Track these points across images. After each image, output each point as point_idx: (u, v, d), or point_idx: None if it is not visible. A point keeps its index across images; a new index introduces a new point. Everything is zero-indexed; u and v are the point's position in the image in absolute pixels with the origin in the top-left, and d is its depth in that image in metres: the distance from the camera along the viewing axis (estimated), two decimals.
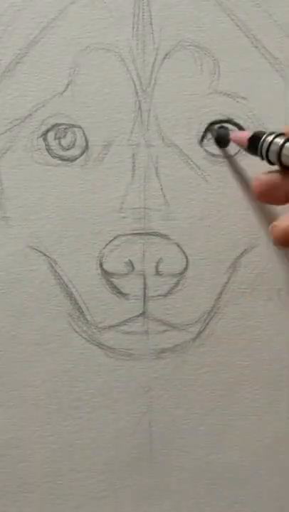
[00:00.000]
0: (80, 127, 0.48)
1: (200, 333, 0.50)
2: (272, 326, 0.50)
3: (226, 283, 0.49)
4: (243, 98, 0.48)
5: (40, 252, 0.48)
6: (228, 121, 0.48)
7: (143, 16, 0.47)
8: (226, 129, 0.48)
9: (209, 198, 0.49)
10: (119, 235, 0.48)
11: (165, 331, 0.49)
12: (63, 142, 0.48)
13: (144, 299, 0.49)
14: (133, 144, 0.48)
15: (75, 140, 0.48)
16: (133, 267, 0.48)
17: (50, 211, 0.48)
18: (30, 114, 0.48)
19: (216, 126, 0.48)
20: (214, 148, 0.49)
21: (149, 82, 0.48)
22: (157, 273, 0.49)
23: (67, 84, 0.48)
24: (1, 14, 0.47)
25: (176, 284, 0.49)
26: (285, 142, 0.43)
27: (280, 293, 0.50)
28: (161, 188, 0.48)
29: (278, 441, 0.51)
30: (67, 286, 0.49)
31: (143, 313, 0.49)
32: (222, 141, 0.48)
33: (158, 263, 0.48)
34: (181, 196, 0.49)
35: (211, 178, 0.49)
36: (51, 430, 0.50)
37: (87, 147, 0.48)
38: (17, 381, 0.49)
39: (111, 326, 0.49)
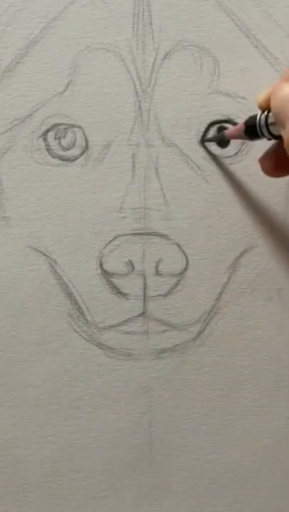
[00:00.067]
0: (80, 127, 0.48)
1: (200, 333, 0.50)
2: (272, 326, 0.50)
3: (226, 283, 0.49)
4: (243, 98, 0.48)
5: (40, 252, 0.48)
6: (228, 121, 0.48)
7: (143, 16, 0.47)
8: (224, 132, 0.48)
9: (209, 198, 0.49)
10: (119, 235, 0.48)
11: (165, 331, 0.49)
12: (63, 142, 0.48)
13: (144, 299, 0.49)
14: (133, 144, 0.48)
15: (75, 140, 0.48)
16: (133, 267, 0.48)
17: (50, 211, 0.48)
18: (30, 114, 0.48)
19: (217, 126, 0.48)
20: (214, 149, 0.49)
21: (149, 82, 0.48)
22: (157, 273, 0.49)
23: (67, 84, 0.48)
24: (1, 14, 0.47)
25: (176, 284, 0.49)
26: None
27: (280, 293, 0.50)
28: (161, 188, 0.48)
29: (278, 441, 0.51)
30: (67, 286, 0.49)
31: (143, 313, 0.49)
32: (222, 141, 0.48)
33: (158, 263, 0.48)
34: (181, 196, 0.49)
35: (211, 178, 0.49)
36: (51, 430, 0.50)
37: (87, 147, 0.48)
38: (17, 381, 0.49)
39: (111, 326, 0.49)
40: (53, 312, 0.49)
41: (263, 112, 0.42)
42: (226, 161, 0.49)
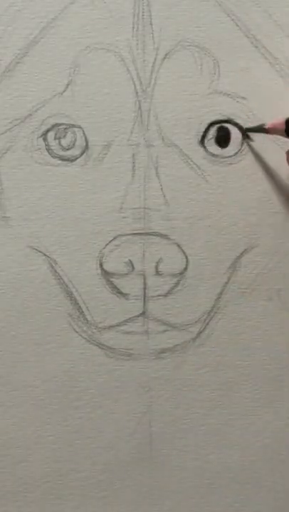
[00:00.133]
0: (80, 127, 0.48)
1: (200, 333, 0.50)
2: (272, 326, 0.50)
3: (226, 283, 0.49)
4: (243, 98, 0.48)
5: (40, 252, 0.48)
6: (228, 121, 0.48)
7: (143, 16, 0.47)
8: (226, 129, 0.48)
9: (209, 198, 0.49)
10: (119, 235, 0.48)
11: (165, 331, 0.49)
12: (63, 142, 0.48)
13: (144, 299, 0.49)
14: (133, 144, 0.48)
15: (75, 140, 0.48)
16: (133, 267, 0.48)
17: (50, 211, 0.48)
18: (30, 114, 0.48)
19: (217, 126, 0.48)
20: (214, 148, 0.49)
21: (149, 82, 0.48)
22: (157, 273, 0.49)
23: (67, 84, 0.48)
24: (1, 14, 0.47)
25: (176, 284, 0.49)
26: None
27: (280, 293, 0.50)
28: (161, 188, 0.48)
29: (278, 441, 0.51)
30: (67, 286, 0.49)
31: (143, 313, 0.49)
32: (222, 140, 0.48)
33: (158, 263, 0.48)
34: (181, 196, 0.49)
35: (211, 178, 0.49)
36: (51, 430, 0.50)
37: (87, 147, 0.48)
38: (17, 381, 0.49)
39: (111, 326, 0.49)
40: (53, 312, 0.49)
41: None
42: (226, 161, 0.49)
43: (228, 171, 0.49)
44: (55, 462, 0.50)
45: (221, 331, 0.50)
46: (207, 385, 0.50)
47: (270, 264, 0.50)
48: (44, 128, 0.48)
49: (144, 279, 0.49)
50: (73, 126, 0.48)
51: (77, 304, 0.49)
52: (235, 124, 0.48)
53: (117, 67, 0.48)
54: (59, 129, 0.48)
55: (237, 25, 0.48)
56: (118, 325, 0.49)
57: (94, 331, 0.49)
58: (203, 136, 0.49)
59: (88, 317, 0.49)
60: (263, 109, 0.48)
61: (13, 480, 0.50)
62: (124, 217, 0.48)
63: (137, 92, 0.48)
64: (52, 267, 0.49)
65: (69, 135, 0.48)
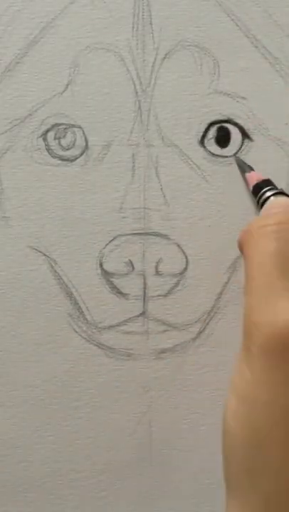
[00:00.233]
0: (80, 127, 0.48)
1: (200, 333, 0.50)
2: None
3: (226, 283, 0.49)
4: (243, 98, 0.48)
5: (40, 252, 0.48)
6: (228, 121, 0.48)
7: (143, 16, 0.47)
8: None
9: (209, 198, 0.49)
10: (119, 235, 0.48)
11: (165, 331, 0.49)
12: (63, 142, 0.48)
13: (144, 299, 0.49)
14: (133, 144, 0.48)
15: (75, 140, 0.48)
16: (133, 267, 0.48)
17: (50, 211, 0.48)
18: (30, 114, 0.48)
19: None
20: (214, 148, 0.49)
21: (149, 82, 0.48)
22: (157, 273, 0.49)
23: (67, 84, 0.48)
24: (1, 14, 0.47)
25: (176, 284, 0.49)
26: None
27: None
28: (161, 188, 0.48)
29: None
30: (67, 286, 0.49)
31: (143, 313, 0.49)
32: (222, 140, 0.48)
33: (158, 263, 0.48)
34: (181, 196, 0.49)
35: (211, 178, 0.49)
36: (51, 430, 0.50)
37: (87, 147, 0.48)
38: (17, 381, 0.49)
39: (111, 326, 0.49)
40: (52, 312, 0.49)
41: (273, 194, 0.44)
42: (226, 161, 0.49)
43: (228, 171, 0.49)
44: (55, 462, 0.50)
45: (221, 331, 0.50)
46: (207, 385, 0.50)
47: None
48: (44, 128, 0.48)
49: (144, 279, 0.49)
50: (73, 126, 0.48)
51: (77, 304, 0.49)
52: (235, 124, 0.48)
53: (117, 67, 0.48)
54: (59, 129, 0.48)
55: (237, 25, 0.48)
56: (118, 325, 0.49)
57: (94, 331, 0.49)
58: (203, 136, 0.49)
59: (88, 317, 0.49)
60: (263, 109, 0.48)
61: (13, 480, 0.50)
62: (124, 217, 0.48)
63: (136, 92, 0.48)
64: (52, 267, 0.49)
65: (69, 135, 0.48)
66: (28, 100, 0.48)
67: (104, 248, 0.49)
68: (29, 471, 0.50)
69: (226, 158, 0.49)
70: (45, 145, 0.48)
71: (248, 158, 0.49)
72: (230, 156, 0.49)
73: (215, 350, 0.50)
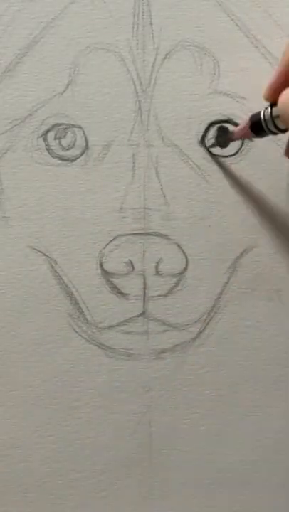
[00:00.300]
0: (80, 127, 0.48)
1: (200, 333, 0.50)
2: (272, 326, 0.50)
3: (226, 283, 0.49)
4: (243, 98, 0.48)
5: (40, 252, 0.48)
6: (228, 121, 0.48)
7: (143, 16, 0.47)
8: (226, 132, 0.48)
9: (209, 198, 0.49)
10: (119, 235, 0.48)
11: (165, 331, 0.49)
12: (63, 142, 0.48)
13: (144, 299, 0.49)
14: (133, 144, 0.48)
15: (75, 140, 0.48)
16: (133, 267, 0.48)
17: (50, 211, 0.48)
18: (30, 114, 0.48)
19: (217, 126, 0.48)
20: (214, 149, 0.49)
21: (149, 82, 0.48)
22: (157, 273, 0.49)
23: (67, 84, 0.48)
24: (1, 14, 0.47)
25: (176, 284, 0.49)
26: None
27: (280, 293, 0.50)
28: (161, 188, 0.48)
29: (278, 441, 0.51)
30: (67, 286, 0.49)
31: (143, 313, 0.49)
32: (222, 141, 0.49)
33: (158, 263, 0.48)
34: (181, 196, 0.49)
35: (211, 178, 0.49)
36: (51, 430, 0.50)
37: (87, 147, 0.48)
38: (17, 381, 0.49)
39: (111, 326, 0.49)
40: (53, 312, 0.49)
41: (267, 107, 0.43)
42: (226, 161, 0.49)
43: (228, 170, 0.49)
44: (55, 462, 0.50)
45: (221, 331, 0.50)
46: (207, 385, 0.50)
47: (270, 264, 0.50)
48: (44, 128, 0.48)
49: (144, 279, 0.49)
50: (73, 126, 0.48)
51: (77, 303, 0.49)
52: (235, 124, 0.48)
53: (117, 67, 0.48)
54: (59, 129, 0.48)
55: (237, 25, 0.48)
56: (118, 325, 0.49)
57: (94, 330, 0.49)
58: (203, 136, 0.49)
59: (88, 317, 0.49)
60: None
61: (13, 480, 0.50)
62: (124, 217, 0.48)
63: (137, 92, 0.48)
64: (52, 267, 0.49)
65: (69, 135, 0.48)
66: (28, 100, 0.48)
67: (104, 248, 0.49)
68: (29, 471, 0.50)
69: (226, 158, 0.49)
70: (46, 145, 0.48)
71: (248, 158, 0.49)
72: (231, 156, 0.49)
73: (215, 350, 0.50)
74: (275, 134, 0.43)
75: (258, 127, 0.44)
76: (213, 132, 0.49)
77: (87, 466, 0.50)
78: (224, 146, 0.49)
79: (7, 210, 0.48)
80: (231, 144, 0.48)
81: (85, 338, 0.49)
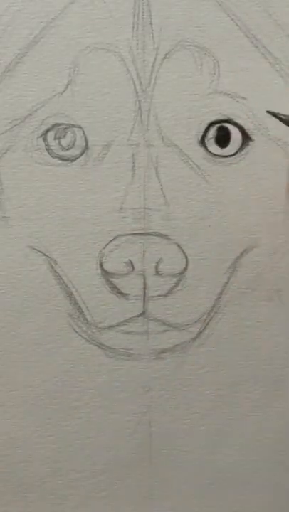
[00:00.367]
0: (80, 127, 0.48)
1: (200, 333, 0.50)
2: (272, 326, 0.50)
3: (226, 283, 0.49)
4: (243, 98, 0.48)
5: (40, 252, 0.48)
6: (228, 121, 0.48)
7: (143, 16, 0.47)
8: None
9: (209, 198, 0.49)
10: (119, 235, 0.48)
11: (165, 331, 0.49)
12: (63, 142, 0.48)
13: (144, 299, 0.49)
14: (133, 144, 0.48)
15: (75, 140, 0.48)
16: (133, 267, 0.48)
17: (50, 211, 0.48)
18: (30, 114, 0.48)
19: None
20: (214, 148, 0.49)
21: (149, 82, 0.48)
22: (157, 273, 0.49)
23: (67, 84, 0.48)
24: (1, 14, 0.47)
25: (176, 284, 0.49)
26: None
27: (280, 293, 0.50)
28: (161, 188, 0.48)
29: (278, 441, 0.51)
30: (67, 286, 0.49)
31: (143, 313, 0.49)
32: (222, 140, 0.49)
33: (158, 263, 0.48)
34: (181, 196, 0.49)
35: (211, 178, 0.49)
36: (51, 430, 0.50)
37: (87, 147, 0.48)
38: (17, 381, 0.49)
39: (111, 326, 0.49)
40: (52, 312, 0.49)
41: None
42: (226, 161, 0.49)
43: (228, 170, 0.49)
44: (55, 462, 0.50)
45: (221, 331, 0.50)
46: (207, 385, 0.50)
47: (270, 264, 0.50)
48: (44, 128, 0.48)
49: (144, 279, 0.49)
50: (73, 126, 0.48)
51: (77, 304, 0.49)
52: (235, 124, 0.48)
53: (117, 67, 0.48)
54: (59, 128, 0.48)
55: (237, 25, 0.48)
56: (118, 325, 0.49)
57: (94, 331, 0.49)
58: (203, 136, 0.49)
59: (88, 317, 0.49)
60: (263, 109, 0.48)
61: (13, 480, 0.50)
62: (124, 217, 0.48)
63: (137, 92, 0.48)
64: (52, 267, 0.49)
65: (69, 135, 0.48)
66: (28, 100, 0.48)
67: (104, 248, 0.49)
68: (29, 471, 0.50)
69: (226, 158, 0.49)
70: (45, 145, 0.48)
71: (248, 158, 0.49)
72: (231, 156, 0.49)
73: (215, 350, 0.50)
74: None
75: None
76: (213, 132, 0.49)
77: (87, 466, 0.50)
78: (224, 146, 0.49)
79: (7, 210, 0.48)
80: (231, 143, 0.48)
81: (85, 338, 0.49)
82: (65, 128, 0.48)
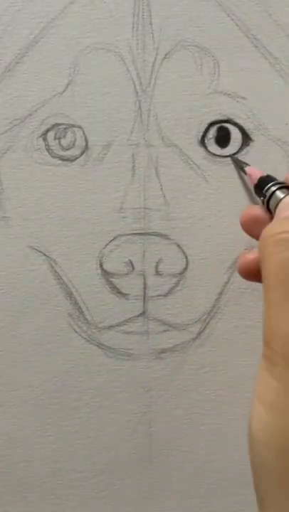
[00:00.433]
0: (80, 127, 0.48)
1: (200, 333, 0.50)
2: None
3: (226, 283, 0.49)
4: (243, 98, 0.48)
5: (40, 252, 0.48)
6: (228, 121, 0.48)
7: (143, 16, 0.47)
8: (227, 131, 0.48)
9: (209, 198, 0.49)
10: (119, 235, 0.48)
11: (165, 331, 0.49)
12: (63, 142, 0.48)
13: (144, 299, 0.49)
14: (133, 144, 0.48)
15: (75, 140, 0.48)
16: (133, 267, 0.48)
17: (50, 211, 0.48)
18: (30, 114, 0.48)
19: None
20: (214, 148, 0.49)
21: (149, 82, 0.48)
22: (157, 273, 0.49)
23: (67, 84, 0.48)
24: (1, 14, 0.47)
25: (176, 284, 0.49)
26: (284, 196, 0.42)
27: None
28: (161, 188, 0.48)
29: None
30: (67, 286, 0.49)
31: (143, 313, 0.49)
32: (222, 140, 0.49)
33: (158, 263, 0.48)
34: (181, 196, 0.49)
35: (211, 178, 0.49)
36: (51, 430, 0.50)
37: (87, 147, 0.48)
38: (17, 381, 0.49)
39: (111, 326, 0.49)
40: (52, 312, 0.49)
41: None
42: (226, 161, 0.49)
43: (228, 170, 0.49)
44: (55, 462, 0.50)
45: (221, 331, 0.50)
46: (207, 385, 0.50)
47: None
48: (44, 128, 0.48)
49: (144, 279, 0.49)
50: (73, 126, 0.48)
51: (77, 304, 0.49)
52: (235, 124, 0.48)
53: (117, 67, 0.48)
54: (59, 128, 0.48)
55: (237, 25, 0.48)
56: (118, 325, 0.49)
57: (94, 331, 0.49)
58: (203, 136, 0.49)
59: (88, 317, 0.49)
60: (263, 109, 0.48)
61: (13, 480, 0.50)
62: (124, 217, 0.48)
63: (137, 92, 0.48)
64: (52, 267, 0.49)
65: (69, 135, 0.48)
66: (28, 100, 0.48)
67: (104, 248, 0.49)
68: (29, 471, 0.50)
69: (226, 158, 0.49)
70: (45, 145, 0.48)
71: (248, 158, 0.49)
72: (231, 156, 0.49)
73: (215, 350, 0.50)
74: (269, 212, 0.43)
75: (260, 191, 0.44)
76: (213, 132, 0.49)
77: (87, 466, 0.50)
78: (224, 146, 0.49)
79: (7, 210, 0.48)
80: (231, 143, 0.48)
81: (85, 338, 0.49)
82: (65, 128, 0.48)
